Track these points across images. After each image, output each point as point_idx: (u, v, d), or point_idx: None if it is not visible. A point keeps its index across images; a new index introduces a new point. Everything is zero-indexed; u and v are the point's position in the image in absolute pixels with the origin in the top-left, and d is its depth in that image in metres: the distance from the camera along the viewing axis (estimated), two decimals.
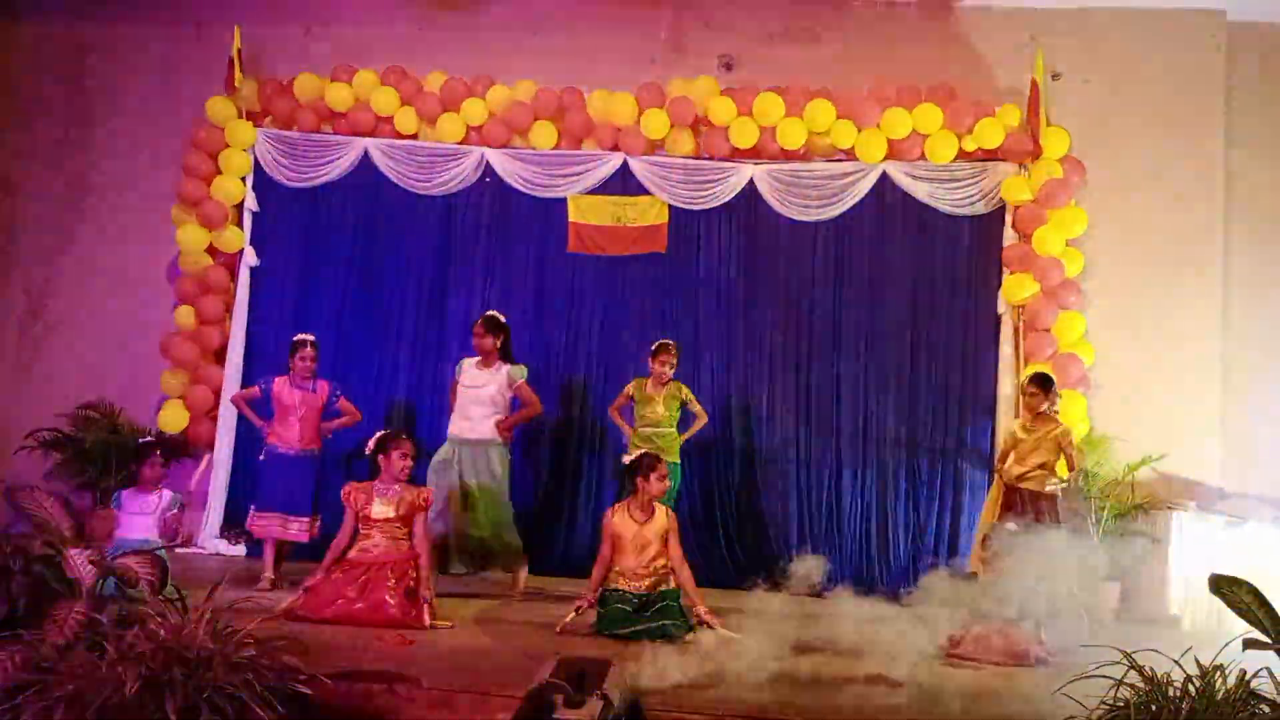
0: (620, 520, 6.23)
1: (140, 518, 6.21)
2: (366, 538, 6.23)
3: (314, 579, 6.06)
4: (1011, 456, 7.08)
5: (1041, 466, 6.91)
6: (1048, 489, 6.84)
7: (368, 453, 6.48)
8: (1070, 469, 6.97)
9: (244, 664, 3.96)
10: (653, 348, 7.74)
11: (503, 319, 7.33)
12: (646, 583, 6.14)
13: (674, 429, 7.73)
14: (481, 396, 7.12)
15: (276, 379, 7.33)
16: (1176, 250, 8.53)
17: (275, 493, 7.15)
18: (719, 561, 8.45)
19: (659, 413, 7.62)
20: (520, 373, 7.27)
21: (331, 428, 7.46)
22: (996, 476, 7.26)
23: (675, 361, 7.67)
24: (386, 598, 5.92)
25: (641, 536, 6.17)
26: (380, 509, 6.23)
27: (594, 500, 8.65)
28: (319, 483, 7.28)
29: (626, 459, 6.37)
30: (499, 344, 7.19)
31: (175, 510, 6.27)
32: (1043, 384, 7.03)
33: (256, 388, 7.49)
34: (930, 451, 8.43)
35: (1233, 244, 8.59)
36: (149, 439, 7.20)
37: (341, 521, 6.36)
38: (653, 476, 6.20)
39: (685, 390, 7.80)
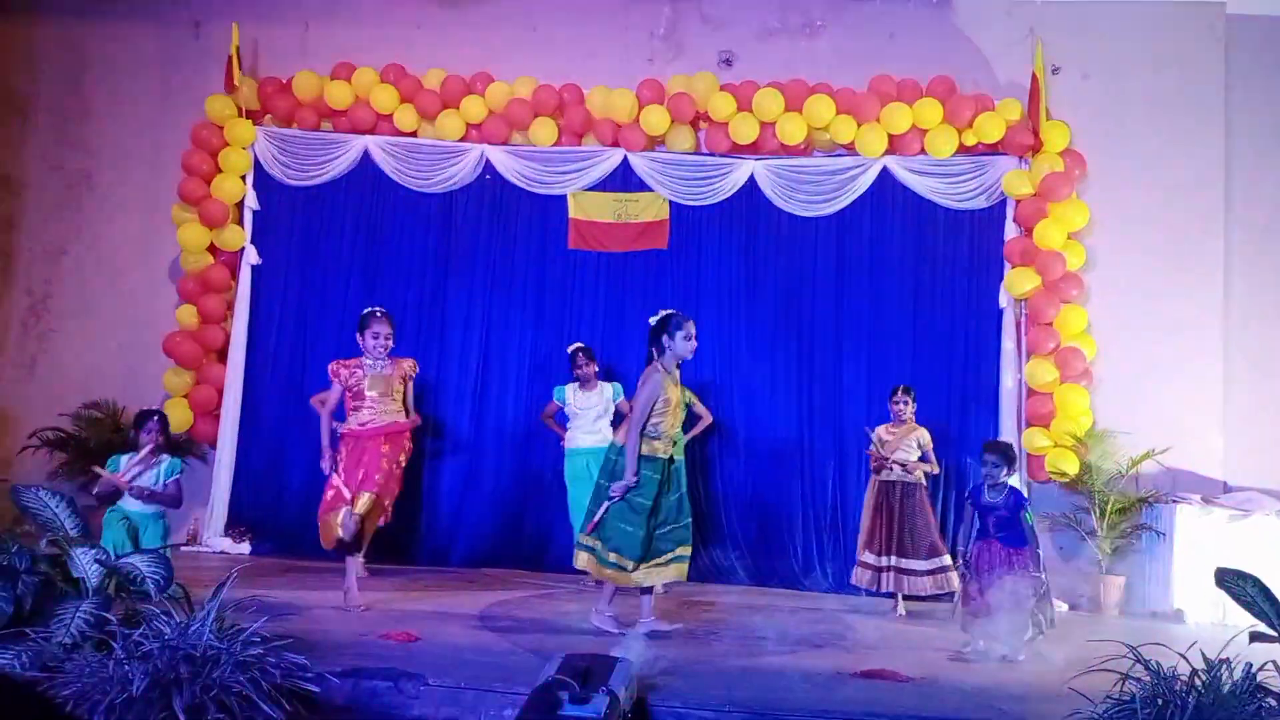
0: (667, 381, 6.02)
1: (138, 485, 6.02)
2: (357, 411, 6.58)
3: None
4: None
5: (904, 464, 7.46)
6: (910, 480, 7.41)
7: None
8: (929, 463, 7.53)
9: (251, 662, 3.96)
10: None
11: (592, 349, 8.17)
12: (675, 448, 6.11)
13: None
14: (598, 413, 7.97)
15: None
16: (1178, 242, 8.53)
17: None
18: (722, 558, 8.47)
19: None
20: (619, 390, 8.06)
21: None
22: (874, 476, 7.65)
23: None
24: (382, 464, 6.47)
25: (678, 398, 6.09)
26: (373, 385, 6.60)
27: None
28: None
29: (653, 320, 6.18)
30: (597, 368, 8.05)
31: (177, 476, 6.15)
32: (906, 393, 7.64)
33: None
34: (933, 444, 8.40)
35: (1234, 235, 8.59)
36: (148, 408, 6.83)
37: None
38: (679, 335, 6.03)
39: (690, 394, 7.91)
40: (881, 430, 7.63)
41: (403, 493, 8.22)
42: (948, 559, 7.22)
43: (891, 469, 7.41)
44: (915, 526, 7.29)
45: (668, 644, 5.63)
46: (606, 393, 8.02)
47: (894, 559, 7.27)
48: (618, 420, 7.94)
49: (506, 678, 4.48)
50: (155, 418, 6.27)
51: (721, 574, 8.42)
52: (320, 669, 4.20)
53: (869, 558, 7.40)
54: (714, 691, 4.53)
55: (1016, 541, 6.00)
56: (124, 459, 6.14)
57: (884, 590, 7.34)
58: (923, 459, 7.46)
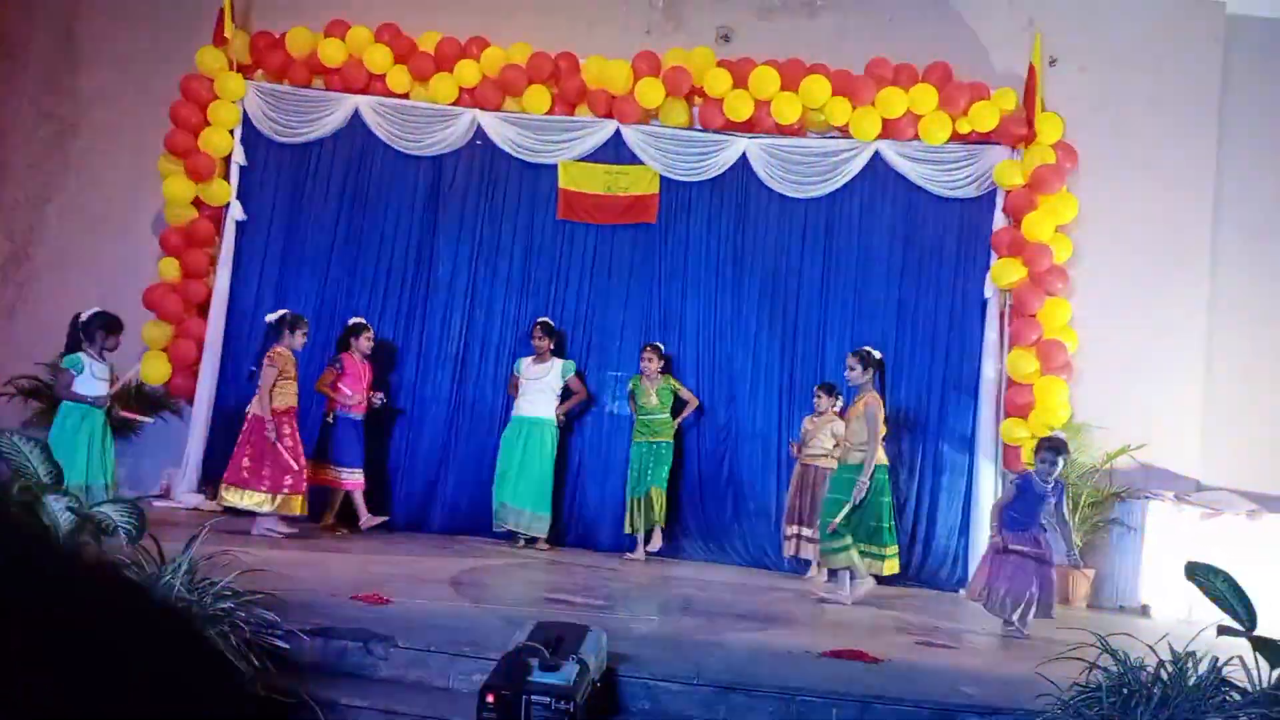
0: None
1: (101, 382, 6.91)
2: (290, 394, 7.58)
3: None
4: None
5: (822, 448, 8.03)
6: (823, 465, 7.94)
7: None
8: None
9: (221, 616, 3.95)
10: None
11: (553, 324, 8.47)
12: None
13: (668, 415, 8.28)
14: (541, 386, 8.25)
15: (344, 355, 8.14)
16: (1165, 240, 8.55)
17: (344, 450, 7.99)
18: (699, 534, 8.51)
19: (653, 402, 8.24)
20: (570, 367, 8.38)
21: (379, 395, 8.28)
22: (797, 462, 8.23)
23: (657, 358, 8.27)
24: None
25: None
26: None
27: (585, 469, 8.66)
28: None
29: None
30: (551, 345, 8.33)
31: (131, 373, 7.36)
32: (828, 391, 8.16)
33: (334, 369, 8.14)
34: (911, 431, 8.45)
35: (1221, 236, 8.61)
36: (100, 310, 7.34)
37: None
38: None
39: (674, 381, 8.43)
40: (806, 421, 8.21)
41: (379, 457, 8.34)
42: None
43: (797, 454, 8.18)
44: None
45: (640, 619, 5.64)
46: (556, 368, 8.32)
47: (802, 529, 7.92)
48: (564, 396, 8.32)
49: (477, 643, 4.47)
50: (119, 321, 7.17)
51: (695, 551, 8.45)
52: (290, 626, 4.19)
53: (788, 529, 8.13)
54: (683, 664, 4.54)
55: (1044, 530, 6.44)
56: (84, 357, 6.90)
57: (797, 555, 8.11)
58: (836, 447, 7.88)
